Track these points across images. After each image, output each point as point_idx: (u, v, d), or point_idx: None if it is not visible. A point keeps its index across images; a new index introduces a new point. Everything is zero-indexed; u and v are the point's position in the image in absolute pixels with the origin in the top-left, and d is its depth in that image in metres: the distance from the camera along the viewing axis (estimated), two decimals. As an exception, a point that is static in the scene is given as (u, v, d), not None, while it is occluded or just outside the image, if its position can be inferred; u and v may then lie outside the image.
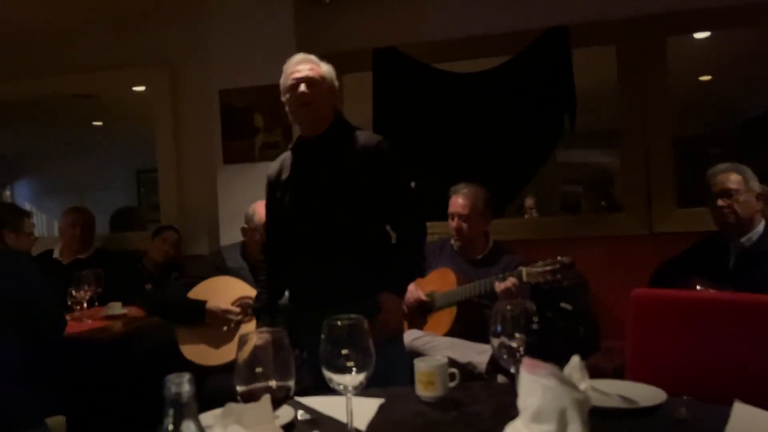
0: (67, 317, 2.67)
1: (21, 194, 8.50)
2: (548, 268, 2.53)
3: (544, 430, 1.00)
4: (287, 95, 2.13)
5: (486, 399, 1.47)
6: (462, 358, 2.60)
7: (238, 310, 2.78)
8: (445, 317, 2.84)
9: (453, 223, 2.98)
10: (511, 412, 1.09)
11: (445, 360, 1.54)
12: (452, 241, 3.04)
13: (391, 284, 2.14)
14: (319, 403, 1.47)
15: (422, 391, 1.49)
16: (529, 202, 6.10)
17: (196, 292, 2.87)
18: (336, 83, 2.19)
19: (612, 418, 1.29)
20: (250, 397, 1.12)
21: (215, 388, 2.34)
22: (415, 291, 2.84)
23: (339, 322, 1.14)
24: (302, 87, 2.08)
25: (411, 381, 1.54)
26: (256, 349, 1.15)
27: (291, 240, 2.19)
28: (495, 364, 2.46)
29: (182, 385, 0.80)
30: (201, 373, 2.57)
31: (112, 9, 4.00)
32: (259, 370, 1.14)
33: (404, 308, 2.67)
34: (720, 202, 2.48)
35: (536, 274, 2.55)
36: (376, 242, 2.17)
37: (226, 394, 1.16)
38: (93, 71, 4.33)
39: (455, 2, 3.72)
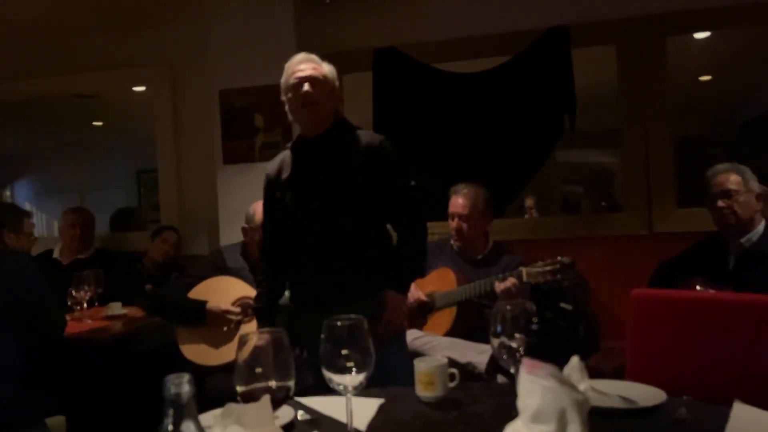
0: (67, 317, 2.68)
1: (21, 194, 8.50)
2: (548, 268, 2.53)
3: (543, 431, 1.00)
4: (289, 94, 2.12)
5: (486, 399, 1.47)
6: (462, 358, 2.60)
7: (238, 310, 2.78)
8: (445, 317, 2.84)
9: (453, 224, 2.98)
10: (511, 413, 1.09)
11: (445, 360, 1.54)
12: (452, 242, 3.04)
13: (395, 283, 2.16)
14: (318, 403, 1.47)
15: (422, 391, 1.49)
16: (529, 202, 6.10)
17: (197, 292, 2.86)
18: (337, 83, 2.19)
19: (612, 418, 1.29)
20: (250, 398, 1.12)
21: (215, 388, 2.35)
22: (415, 291, 2.84)
23: (339, 323, 1.14)
24: (306, 86, 2.07)
25: (413, 381, 1.54)
26: (255, 350, 1.15)
27: (292, 239, 2.19)
28: (495, 364, 2.46)
29: (182, 385, 0.80)
30: (201, 373, 2.57)
31: (113, 9, 4.00)
32: (258, 370, 1.14)
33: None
34: (720, 203, 2.48)
35: (536, 274, 2.55)
36: (377, 242, 2.18)
37: (226, 394, 1.16)
38: (93, 71, 4.33)
39: (455, 2, 3.72)
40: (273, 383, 1.13)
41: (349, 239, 2.11)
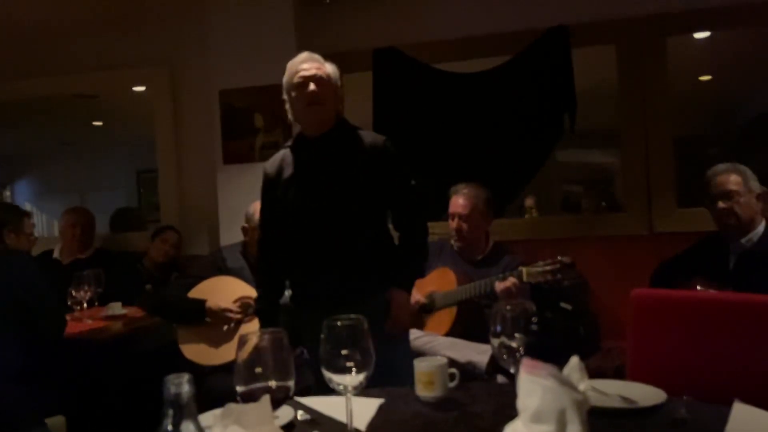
0: (67, 317, 2.67)
1: (21, 194, 8.51)
2: (548, 268, 2.53)
3: (543, 431, 1.00)
4: (293, 93, 2.11)
5: (486, 399, 1.47)
6: (462, 358, 2.60)
7: (237, 309, 2.78)
8: (446, 317, 2.84)
9: (453, 224, 2.98)
10: (511, 412, 1.09)
11: (445, 360, 1.54)
12: (452, 242, 3.04)
13: (399, 282, 2.17)
14: (318, 403, 1.47)
15: (422, 391, 1.49)
16: (529, 202, 6.09)
17: (197, 292, 2.86)
18: (339, 83, 2.19)
19: (612, 418, 1.29)
20: (250, 398, 1.12)
21: (215, 388, 2.35)
22: (414, 293, 2.84)
23: (339, 323, 1.14)
24: (311, 86, 2.07)
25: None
26: (255, 350, 1.15)
27: (294, 239, 2.19)
28: (495, 364, 2.46)
29: (182, 385, 0.80)
30: (201, 374, 2.58)
31: (113, 9, 4.00)
32: (258, 370, 1.14)
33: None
34: (720, 204, 2.47)
35: (536, 274, 2.55)
36: (381, 241, 2.19)
37: (226, 395, 1.16)
38: (93, 71, 4.33)
39: (455, 2, 3.72)
40: (273, 383, 1.13)
41: (354, 239, 2.12)
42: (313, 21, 3.74)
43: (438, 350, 2.63)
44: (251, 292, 2.73)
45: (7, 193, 8.46)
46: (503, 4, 3.65)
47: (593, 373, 1.40)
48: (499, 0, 3.66)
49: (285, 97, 2.17)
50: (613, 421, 1.28)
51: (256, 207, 2.85)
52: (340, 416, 1.31)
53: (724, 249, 2.53)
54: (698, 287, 2.35)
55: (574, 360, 1.29)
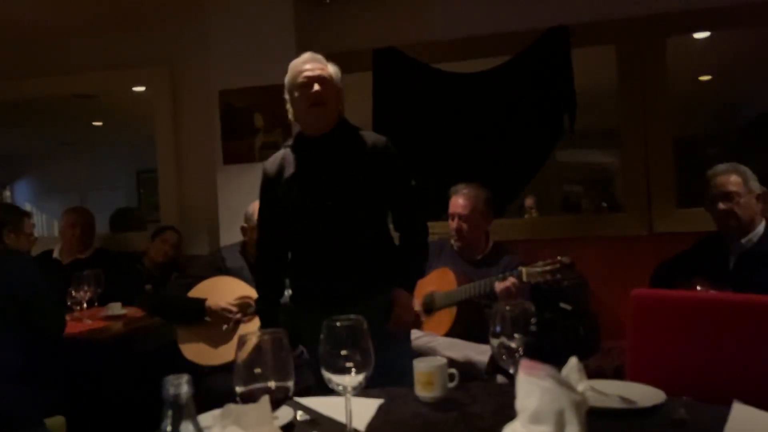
0: (67, 317, 2.67)
1: (21, 194, 8.52)
2: (548, 268, 2.53)
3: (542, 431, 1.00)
4: (296, 93, 2.11)
5: (486, 399, 1.47)
6: (462, 358, 2.60)
7: (237, 309, 2.78)
8: (445, 317, 2.84)
9: (453, 224, 2.98)
10: (510, 413, 1.09)
11: (444, 360, 1.54)
12: (452, 242, 3.04)
13: (401, 282, 2.18)
14: (318, 403, 1.47)
15: (421, 391, 1.49)
16: (529, 202, 6.11)
17: (196, 292, 2.87)
18: (341, 84, 2.19)
19: (611, 418, 1.29)
20: (249, 398, 1.12)
21: (214, 389, 2.35)
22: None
23: (338, 323, 1.14)
24: (316, 87, 2.07)
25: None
26: (255, 350, 1.14)
27: (295, 239, 2.19)
28: (495, 364, 2.46)
29: (181, 386, 0.80)
30: (200, 374, 2.58)
31: (112, 9, 4.00)
32: (258, 370, 1.14)
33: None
34: (721, 206, 2.47)
35: (536, 274, 2.55)
36: (383, 241, 2.20)
37: (226, 395, 1.16)
38: (93, 71, 4.33)
39: (455, 2, 3.72)
40: (272, 384, 1.13)
41: (356, 239, 2.12)
42: (313, 21, 3.74)
43: (438, 350, 2.63)
44: (251, 292, 2.74)
45: (7, 193, 8.47)
46: (503, 4, 3.65)
47: (593, 374, 1.40)
48: (499, 0, 3.65)
49: (286, 96, 2.16)
50: (612, 422, 1.28)
51: (255, 207, 2.85)
52: (340, 416, 1.31)
53: (724, 249, 2.53)
54: (698, 287, 2.35)
55: (573, 361, 1.29)
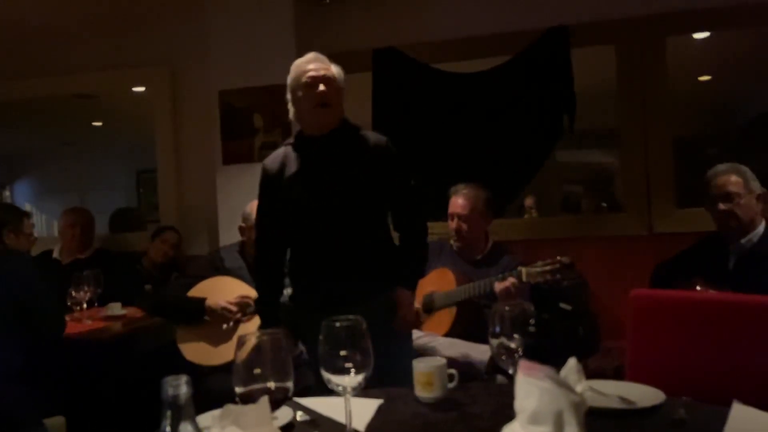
0: (67, 318, 2.67)
1: (21, 194, 8.51)
2: (548, 268, 2.53)
3: (541, 432, 1.00)
4: (300, 93, 2.10)
5: (485, 399, 1.47)
6: (462, 358, 2.60)
7: (236, 308, 2.78)
8: (445, 317, 2.84)
9: (453, 224, 2.98)
10: (510, 413, 1.09)
11: (444, 360, 1.53)
12: (452, 242, 3.04)
13: (404, 281, 2.19)
14: (317, 403, 1.47)
15: (421, 391, 1.49)
16: (529, 202, 6.10)
17: (196, 292, 2.86)
18: (343, 84, 2.19)
19: (611, 418, 1.29)
20: (249, 399, 1.12)
21: (214, 389, 2.35)
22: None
23: (337, 323, 1.14)
24: (321, 87, 2.07)
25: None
26: (254, 350, 1.14)
27: (297, 238, 2.18)
28: (495, 365, 2.46)
29: (179, 386, 0.80)
30: (200, 374, 2.57)
31: (113, 9, 4.00)
32: (257, 371, 1.14)
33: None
34: (721, 206, 2.46)
35: (536, 274, 2.55)
36: (384, 241, 2.21)
37: (225, 395, 1.16)
38: (93, 71, 4.33)
39: (455, 2, 3.72)
40: (271, 384, 1.13)
41: (359, 238, 2.13)
42: (313, 21, 3.74)
43: (438, 350, 2.63)
44: (250, 291, 2.74)
45: (7, 193, 8.47)
46: (503, 4, 3.65)
47: (593, 374, 1.40)
48: (499, 0, 3.65)
49: (288, 96, 2.16)
50: (612, 422, 1.28)
51: (252, 207, 2.85)
52: (339, 417, 1.31)
53: (724, 249, 2.53)
54: (698, 288, 2.35)
55: (572, 361, 1.29)
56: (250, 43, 3.57)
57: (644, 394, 1.39)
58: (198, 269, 3.00)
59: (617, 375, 2.41)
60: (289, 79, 2.15)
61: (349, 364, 1.12)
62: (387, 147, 2.17)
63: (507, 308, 1.27)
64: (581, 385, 1.26)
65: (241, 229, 2.96)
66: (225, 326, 2.79)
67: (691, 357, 1.68)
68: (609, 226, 3.66)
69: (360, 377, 1.13)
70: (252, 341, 1.15)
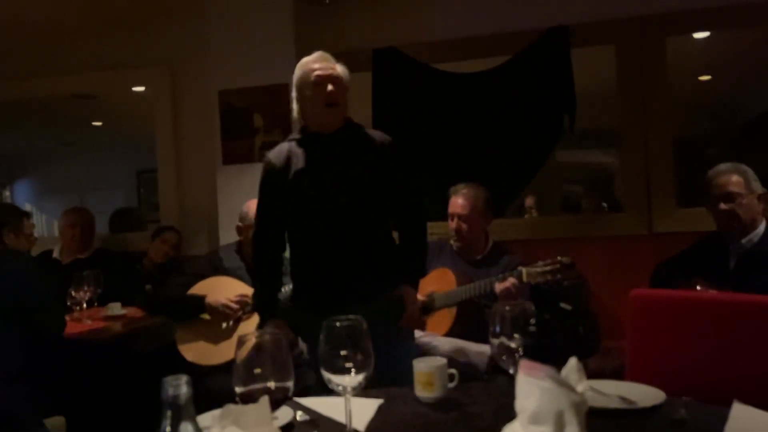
0: (67, 318, 2.67)
1: (21, 194, 8.52)
2: (548, 268, 2.53)
3: (542, 432, 1.00)
4: (307, 92, 2.11)
5: (485, 399, 1.47)
6: (462, 358, 2.60)
7: (237, 306, 2.77)
8: (445, 317, 2.84)
9: (453, 224, 2.98)
10: (510, 413, 1.09)
11: (444, 360, 1.54)
12: (452, 242, 3.03)
13: (408, 278, 2.21)
14: (317, 403, 1.47)
15: (421, 391, 1.49)
16: (529, 202, 6.09)
17: (195, 291, 2.86)
18: (348, 83, 2.19)
19: (611, 418, 1.29)
20: (249, 398, 1.12)
21: (214, 389, 2.34)
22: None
23: (338, 323, 1.14)
24: (330, 86, 2.07)
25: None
26: (254, 350, 1.14)
27: (304, 236, 2.18)
28: (495, 365, 2.46)
29: (180, 386, 0.80)
30: (200, 374, 2.57)
31: (113, 9, 4.00)
32: (257, 371, 1.14)
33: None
34: (722, 206, 2.46)
35: (536, 275, 2.55)
36: (389, 240, 2.23)
37: (225, 395, 1.16)
38: (93, 71, 4.33)
39: (455, 2, 3.72)
40: (272, 384, 1.13)
41: (368, 236, 2.14)
42: (313, 21, 3.74)
43: (438, 350, 2.63)
44: (249, 291, 2.74)
45: (7, 193, 8.47)
46: (503, 4, 3.65)
47: (593, 374, 1.40)
48: (499, 0, 3.65)
49: (293, 94, 2.17)
50: (612, 422, 1.28)
51: (249, 206, 2.85)
52: (339, 417, 1.31)
53: (724, 249, 2.52)
54: (698, 287, 2.35)
55: (573, 361, 1.29)
56: (250, 43, 3.57)
57: (644, 394, 1.39)
58: (198, 269, 2.99)
59: (617, 375, 2.40)
60: (295, 78, 2.16)
61: (349, 364, 1.12)
62: (392, 146, 2.19)
63: (507, 308, 1.27)
64: (582, 385, 1.26)
65: (239, 229, 2.96)
66: (225, 325, 2.79)
67: (691, 357, 1.68)
68: (609, 226, 3.66)
69: (360, 377, 1.13)
70: (252, 341, 1.15)
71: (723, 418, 1.23)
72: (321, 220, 2.13)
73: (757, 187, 2.47)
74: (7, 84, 4.43)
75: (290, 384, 1.14)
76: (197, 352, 2.77)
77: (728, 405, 1.29)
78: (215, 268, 2.93)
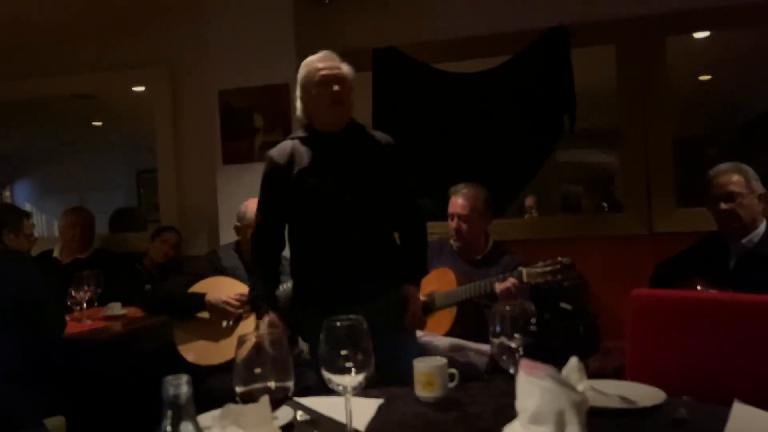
0: (67, 318, 2.67)
1: (21, 194, 8.52)
2: (548, 268, 2.52)
3: None
4: (313, 91, 2.11)
5: (486, 399, 1.47)
6: (462, 358, 2.60)
7: (237, 303, 2.77)
8: (445, 317, 2.83)
9: (453, 224, 2.98)
10: (510, 413, 1.09)
11: (444, 360, 1.54)
12: (452, 242, 3.03)
13: (410, 278, 2.22)
14: (318, 403, 1.47)
15: (421, 391, 1.49)
16: (529, 202, 6.09)
17: (195, 290, 2.86)
18: (354, 83, 2.19)
19: (611, 418, 1.29)
20: (249, 398, 1.12)
21: (214, 389, 2.34)
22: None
23: (338, 323, 1.14)
24: (336, 86, 2.08)
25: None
26: (254, 350, 1.14)
27: (307, 235, 2.17)
28: (495, 365, 2.46)
29: (180, 386, 0.80)
30: (200, 374, 2.57)
31: (112, 9, 4.00)
32: (257, 370, 1.14)
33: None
34: (723, 206, 2.45)
35: (536, 275, 2.55)
36: (391, 239, 2.24)
37: (225, 395, 1.16)
38: (93, 71, 4.33)
39: (455, 2, 3.72)
40: (272, 384, 1.13)
41: (373, 235, 2.14)
42: (313, 21, 3.74)
43: (438, 350, 2.62)
44: (247, 290, 2.73)
45: (7, 193, 8.47)
46: (503, 4, 3.65)
47: (593, 374, 1.40)
48: (499, 0, 3.65)
49: (299, 93, 2.16)
50: (612, 422, 1.28)
51: (247, 205, 2.85)
52: (340, 417, 1.31)
53: (725, 249, 2.52)
54: (698, 287, 2.34)
55: (573, 361, 1.29)
56: (250, 43, 3.57)
57: (645, 394, 1.39)
58: (198, 268, 2.99)
59: (617, 375, 2.40)
60: (300, 77, 2.16)
61: (349, 364, 1.12)
62: (395, 146, 2.20)
63: (507, 308, 1.27)
64: (582, 385, 1.26)
65: (237, 229, 2.96)
66: (224, 323, 2.79)
67: (691, 357, 1.68)
68: (609, 226, 3.66)
69: (361, 377, 1.13)
70: (252, 340, 1.15)
71: (723, 418, 1.23)
72: (324, 218, 2.13)
73: (758, 186, 2.47)
74: (7, 84, 4.43)
75: (290, 384, 1.14)
76: (197, 352, 2.77)
77: (728, 405, 1.29)
78: (214, 267, 2.93)
